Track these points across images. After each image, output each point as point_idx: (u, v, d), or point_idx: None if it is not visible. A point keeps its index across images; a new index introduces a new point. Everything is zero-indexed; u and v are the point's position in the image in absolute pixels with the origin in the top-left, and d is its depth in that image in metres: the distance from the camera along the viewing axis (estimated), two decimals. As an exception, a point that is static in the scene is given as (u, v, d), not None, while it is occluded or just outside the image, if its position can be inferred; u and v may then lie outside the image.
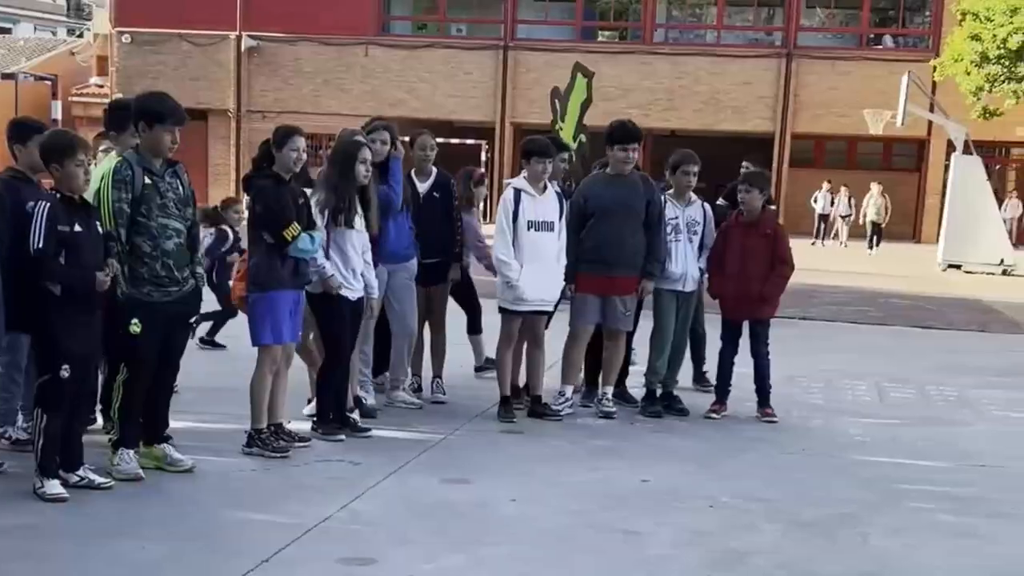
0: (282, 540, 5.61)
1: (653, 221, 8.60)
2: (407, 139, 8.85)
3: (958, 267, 25.42)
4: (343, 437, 7.64)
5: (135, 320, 6.41)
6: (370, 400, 8.41)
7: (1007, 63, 23.39)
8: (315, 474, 6.88)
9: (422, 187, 8.85)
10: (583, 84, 9.97)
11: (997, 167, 39.61)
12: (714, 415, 8.90)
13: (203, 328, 10.45)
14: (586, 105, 9.91)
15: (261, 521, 5.98)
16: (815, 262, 21.82)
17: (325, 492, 6.47)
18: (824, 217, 33.92)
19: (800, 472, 7.44)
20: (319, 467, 7.02)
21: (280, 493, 6.47)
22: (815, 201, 34.04)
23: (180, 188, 6.64)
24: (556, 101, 10.02)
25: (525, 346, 8.72)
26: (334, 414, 7.75)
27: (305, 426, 7.73)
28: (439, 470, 7.06)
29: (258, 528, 5.89)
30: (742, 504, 6.61)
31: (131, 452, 6.60)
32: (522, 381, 8.85)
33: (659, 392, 9.00)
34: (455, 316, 9.38)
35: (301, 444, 7.39)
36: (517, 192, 8.37)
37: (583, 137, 9.70)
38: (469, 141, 35.61)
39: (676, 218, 8.86)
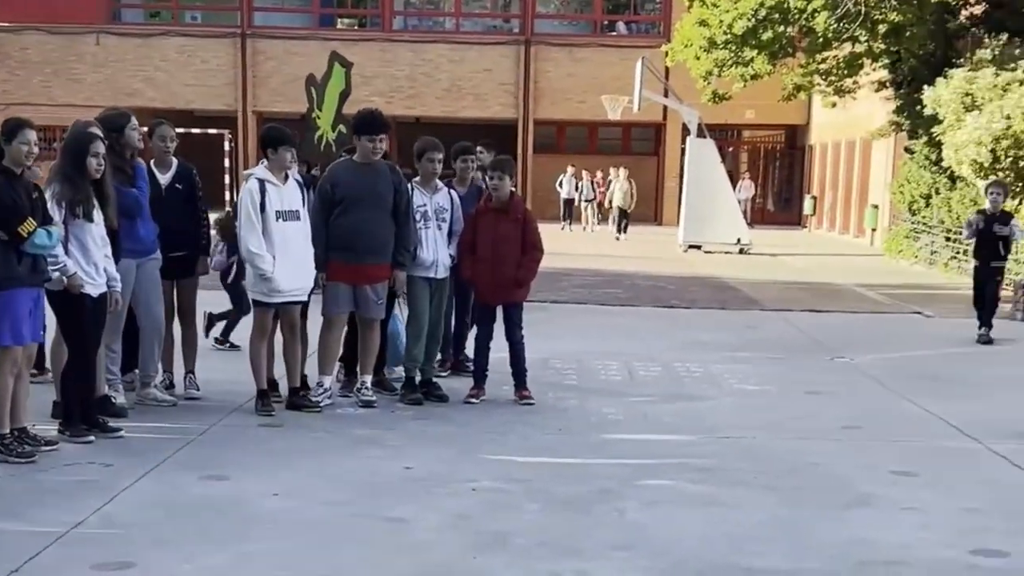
0: (32, 548, 5.37)
1: (401, 210, 8.60)
2: (145, 130, 8.59)
3: (698, 247, 26.48)
4: (92, 438, 7.36)
5: None
6: (120, 399, 8.15)
7: (734, 48, 24.34)
8: (64, 478, 6.60)
9: (163, 179, 8.63)
10: (341, 74, 9.83)
11: (730, 149, 41.54)
12: (473, 400, 8.99)
13: (216, 328, 10.98)
14: (345, 95, 9.79)
15: (8, 530, 5.70)
16: (564, 246, 22.36)
17: (76, 496, 6.22)
18: (569, 202, 34.70)
19: (558, 452, 7.59)
20: (68, 471, 6.74)
21: (28, 499, 6.19)
22: (560, 186, 34.78)
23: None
24: (312, 89, 9.86)
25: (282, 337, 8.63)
26: (81, 415, 7.46)
27: (51, 429, 7.42)
28: (196, 468, 6.89)
29: (5, 537, 5.59)
30: (503, 486, 6.71)
31: None
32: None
33: (418, 379, 9.03)
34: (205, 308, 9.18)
35: (48, 448, 7.09)
36: (261, 182, 8.22)
37: (343, 127, 9.60)
38: (211, 131, 34.94)
39: (424, 205, 8.90)
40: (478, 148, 10.24)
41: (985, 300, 13.04)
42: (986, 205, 13.38)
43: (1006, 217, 13.15)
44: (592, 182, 34.77)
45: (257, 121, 36.85)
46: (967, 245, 19.11)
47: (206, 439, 7.65)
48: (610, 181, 32.96)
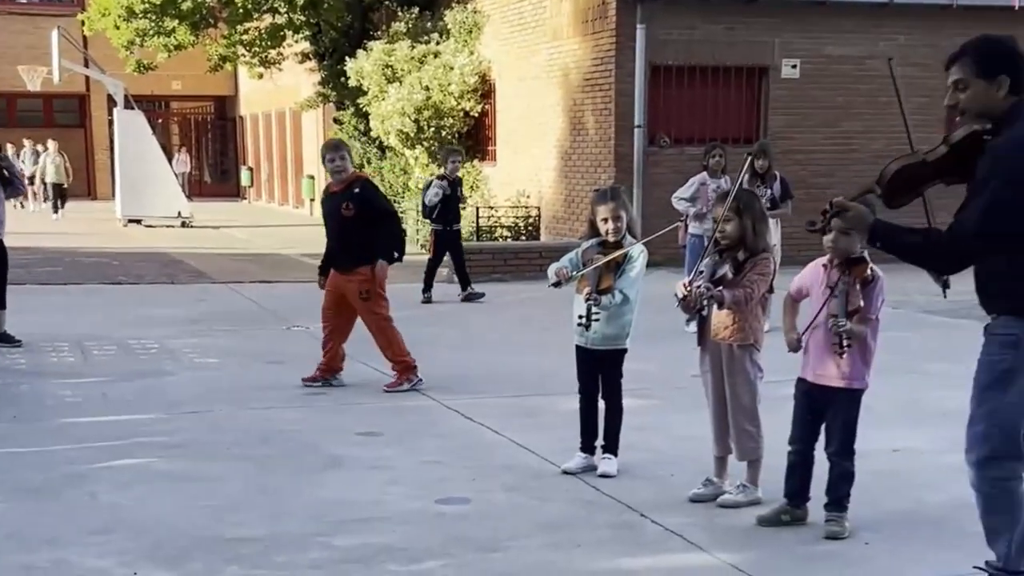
0: None
1: None
2: None
3: (139, 221, 25.91)
4: None
5: None
6: None
7: (154, 17, 24.01)
8: None
9: None
10: None
11: (160, 121, 40.74)
12: (-90, 393, 8.33)
13: None
14: None
15: None
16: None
17: None
18: (-7, 178, 32.54)
19: (16, 440, 7.23)
20: None
21: None
22: (-22, 163, 32.53)
23: None
24: None
25: None
26: None
27: None
28: None
29: None
30: (-39, 480, 6.30)
31: None
32: None
33: None
34: None
35: None
36: None
37: None
38: None
39: None
40: None
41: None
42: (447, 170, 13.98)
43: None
44: (16, 154, 32.83)
45: None
46: (402, 213, 20.13)
47: None
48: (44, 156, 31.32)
